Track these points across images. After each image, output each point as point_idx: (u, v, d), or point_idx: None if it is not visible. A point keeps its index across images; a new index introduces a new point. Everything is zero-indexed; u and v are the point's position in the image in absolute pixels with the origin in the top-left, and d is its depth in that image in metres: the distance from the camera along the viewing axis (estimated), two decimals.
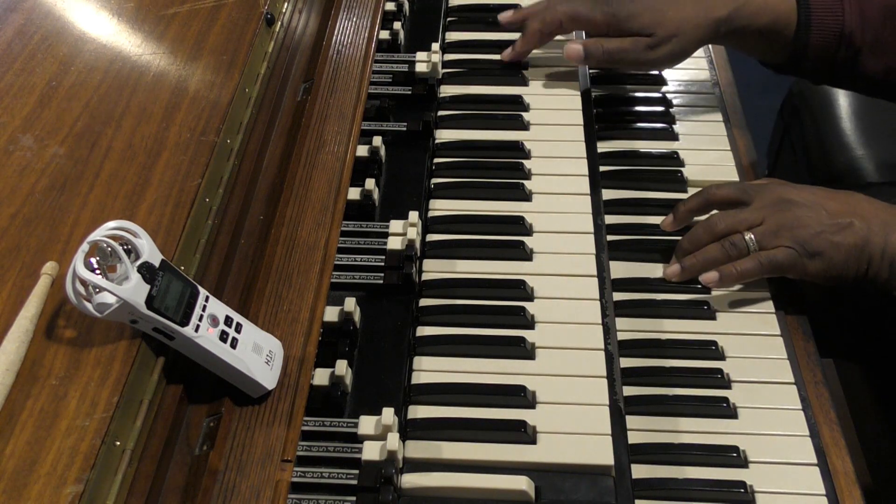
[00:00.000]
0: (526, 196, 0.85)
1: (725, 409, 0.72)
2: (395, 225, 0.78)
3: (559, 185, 0.86)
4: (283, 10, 0.92)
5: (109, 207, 0.67)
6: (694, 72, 1.02)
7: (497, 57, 0.99)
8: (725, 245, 0.78)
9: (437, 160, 0.89)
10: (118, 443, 0.56)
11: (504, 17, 0.98)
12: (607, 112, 0.97)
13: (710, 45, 1.05)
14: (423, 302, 0.77)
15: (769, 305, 0.80)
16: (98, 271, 0.54)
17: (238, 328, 0.61)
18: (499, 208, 0.84)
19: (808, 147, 1.32)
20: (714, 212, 0.83)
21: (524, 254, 0.80)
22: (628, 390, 0.73)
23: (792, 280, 0.79)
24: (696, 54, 1.03)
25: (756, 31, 0.89)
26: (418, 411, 0.69)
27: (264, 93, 0.84)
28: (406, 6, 1.02)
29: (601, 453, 0.65)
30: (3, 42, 0.80)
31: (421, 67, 0.93)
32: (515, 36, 1.02)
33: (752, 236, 0.78)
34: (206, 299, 0.59)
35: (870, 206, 0.78)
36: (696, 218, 0.84)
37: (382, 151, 0.85)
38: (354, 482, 0.62)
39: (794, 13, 0.88)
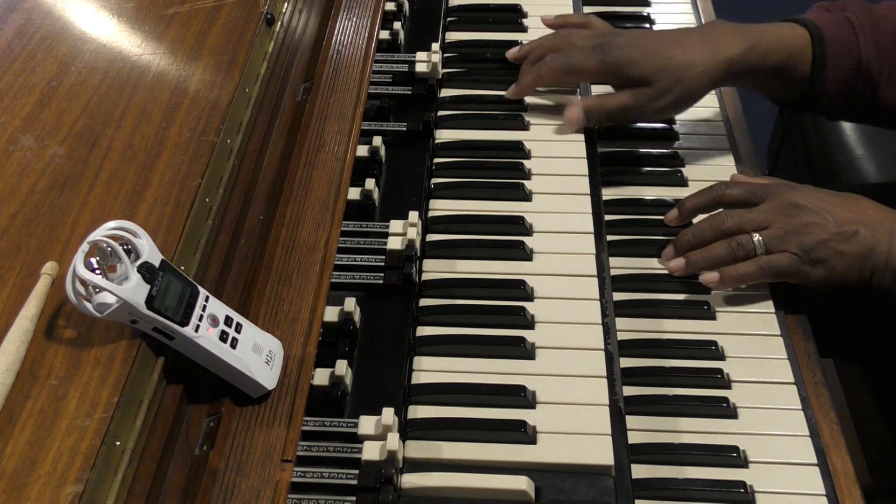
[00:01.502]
0: (526, 196, 0.85)
1: (725, 409, 0.72)
2: (395, 225, 0.78)
3: (559, 185, 0.86)
4: (283, 10, 0.92)
5: (109, 207, 0.67)
6: None
7: (497, 57, 1.00)
8: (733, 244, 0.78)
9: (437, 160, 0.89)
10: (118, 443, 0.56)
11: (511, 55, 0.95)
12: None
13: None
14: (423, 302, 0.77)
15: (769, 305, 0.80)
16: (98, 271, 0.54)
17: (238, 328, 0.61)
18: (499, 208, 0.84)
19: (808, 147, 1.32)
20: (720, 209, 0.83)
21: (524, 254, 0.80)
22: (628, 390, 0.73)
23: (793, 283, 0.79)
24: None
25: (770, 69, 0.86)
26: (418, 411, 0.69)
27: (264, 93, 0.84)
28: (406, 6, 1.02)
29: (601, 453, 0.65)
30: (3, 42, 0.80)
31: (421, 67, 0.93)
32: (515, 36, 1.03)
33: (760, 238, 0.77)
34: (206, 299, 0.59)
35: (876, 213, 0.77)
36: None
37: (382, 151, 0.85)
38: (354, 482, 0.62)
39: (809, 48, 0.85)
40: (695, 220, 0.84)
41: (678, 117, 0.96)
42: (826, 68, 0.84)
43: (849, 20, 0.85)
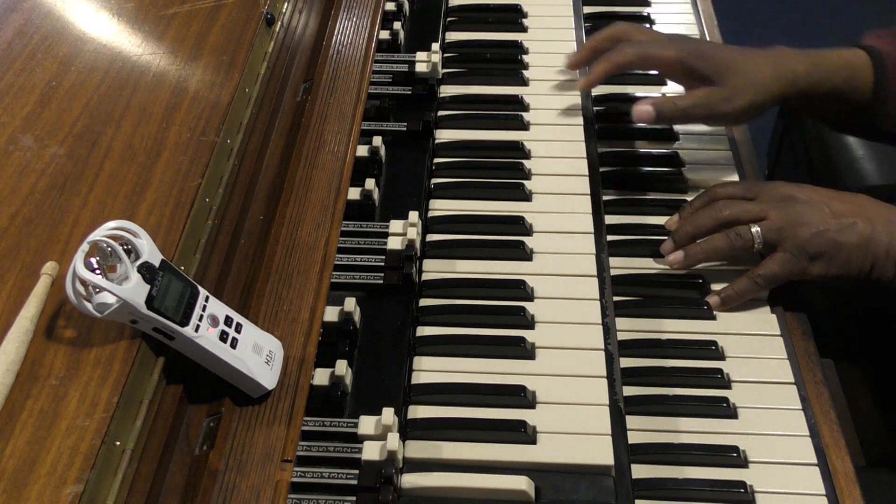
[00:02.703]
0: (526, 196, 0.85)
1: (725, 409, 0.72)
2: (395, 225, 0.78)
3: (559, 185, 0.86)
4: (283, 10, 0.92)
5: (109, 207, 0.67)
6: None
7: (496, 57, 1.00)
8: (731, 235, 0.79)
9: (437, 160, 0.89)
10: (118, 443, 0.56)
11: (571, 60, 0.94)
12: (607, 111, 0.97)
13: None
14: (423, 302, 0.77)
15: (769, 305, 0.80)
16: (98, 271, 0.54)
17: (238, 328, 0.61)
18: (499, 208, 0.84)
19: (808, 147, 1.32)
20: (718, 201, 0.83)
21: (524, 254, 0.80)
22: (628, 390, 0.73)
23: (792, 280, 0.79)
24: None
25: (832, 88, 0.86)
26: (418, 411, 0.69)
27: (264, 93, 0.84)
28: (406, 6, 1.02)
29: (601, 453, 0.65)
30: (3, 42, 0.80)
31: (421, 67, 0.93)
32: (515, 36, 1.03)
33: (759, 229, 0.78)
34: (206, 299, 0.59)
35: (874, 206, 0.78)
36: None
37: (382, 151, 0.85)
38: (354, 482, 0.62)
39: (870, 69, 0.86)
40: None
41: None
42: (887, 87, 0.85)
43: None
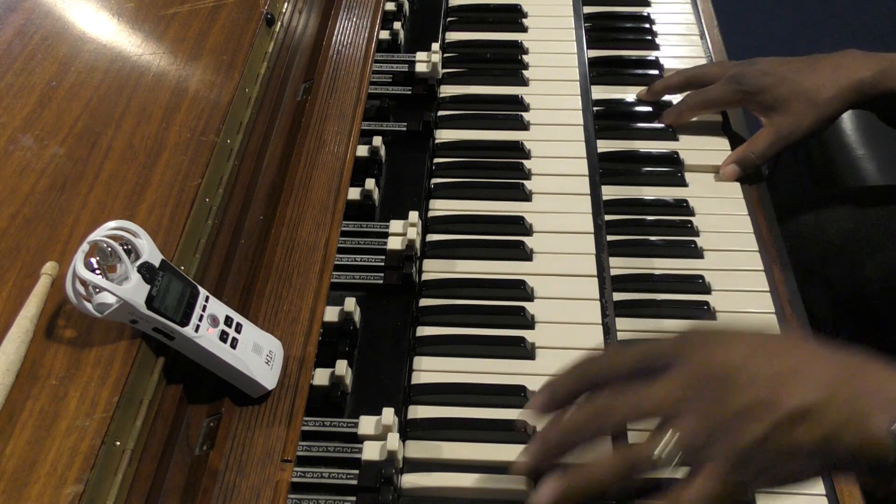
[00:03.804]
0: (526, 196, 0.85)
1: None
2: (395, 225, 0.78)
3: (559, 185, 0.86)
4: (283, 10, 0.92)
5: (109, 207, 0.67)
6: None
7: (496, 57, 1.00)
8: (627, 462, 0.55)
9: (437, 160, 0.89)
10: (118, 443, 0.56)
11: (641, 94, 0.97)
12: (607, 111, 0.97)
13: (707, 41, 1.05)
14: (423, 302, 0.77)
15: (769, 306, 0.79)
16: (98, 271, 0.54)
17: (238, 328, 0.61)
18: (499, 208, 0.84)
19: (808, 147, 1.32)
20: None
21: (524, 254, 0.80)
22: None
23: (790, 281, 0.79)
24: (695, 53, 1.04)
25: None
26: (418, 411, 0.69)
27: (264, 93, 0.85)
28: (406, 6, 1.02)
29: (601, 453, 0.65)
30: (3, 42, 0.80)
31: (421, 67, 0.93)
32: (515, 36, 1.03)
33: (672, 445, 0.52)
34: (206, 299, 0.59)
35: (824, 366, 0.53)
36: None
37: (382, 151, 0.85)
38: (354, 482, 0.62)
39: None
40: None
41: None
42: None
43: None
